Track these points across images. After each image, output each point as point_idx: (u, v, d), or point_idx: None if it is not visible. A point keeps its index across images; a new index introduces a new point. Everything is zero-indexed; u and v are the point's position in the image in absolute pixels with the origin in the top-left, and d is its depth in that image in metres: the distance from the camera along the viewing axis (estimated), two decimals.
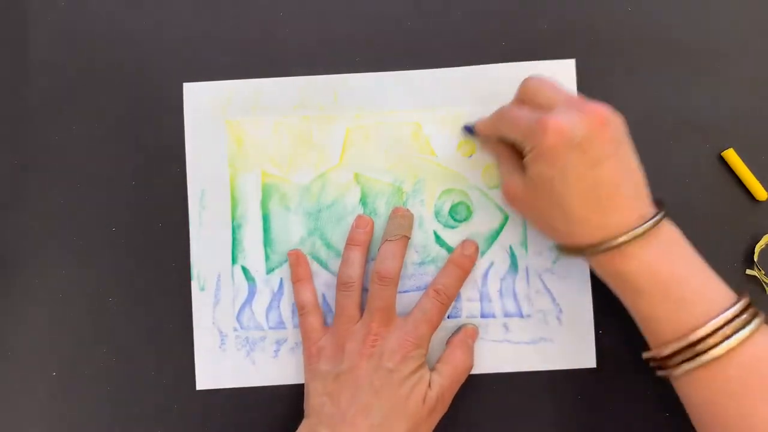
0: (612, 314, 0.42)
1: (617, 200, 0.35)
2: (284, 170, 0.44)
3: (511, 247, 0.43)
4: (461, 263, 0.42)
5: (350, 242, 0.42)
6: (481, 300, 0.43)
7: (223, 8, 0.45)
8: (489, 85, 0.43)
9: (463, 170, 0.43)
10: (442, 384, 0.40)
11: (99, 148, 0.44)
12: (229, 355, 0.43)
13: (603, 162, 0.34)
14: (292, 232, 0.43)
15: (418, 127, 0.43)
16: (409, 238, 0.42)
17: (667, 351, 0.34)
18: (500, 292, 0.43)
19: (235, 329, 0.43)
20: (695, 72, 0.43)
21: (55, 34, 0.45)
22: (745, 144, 0.43)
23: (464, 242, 0.43)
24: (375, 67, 0.44)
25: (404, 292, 0.43)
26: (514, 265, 0.43)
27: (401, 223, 0.42)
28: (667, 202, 0.43)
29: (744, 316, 0.33)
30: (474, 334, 0.42)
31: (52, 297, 0.43)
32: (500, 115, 0.39)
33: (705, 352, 0.33)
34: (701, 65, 0.43)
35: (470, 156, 0.43)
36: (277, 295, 0.43)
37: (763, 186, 0.42)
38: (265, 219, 0.44)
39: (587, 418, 0.42)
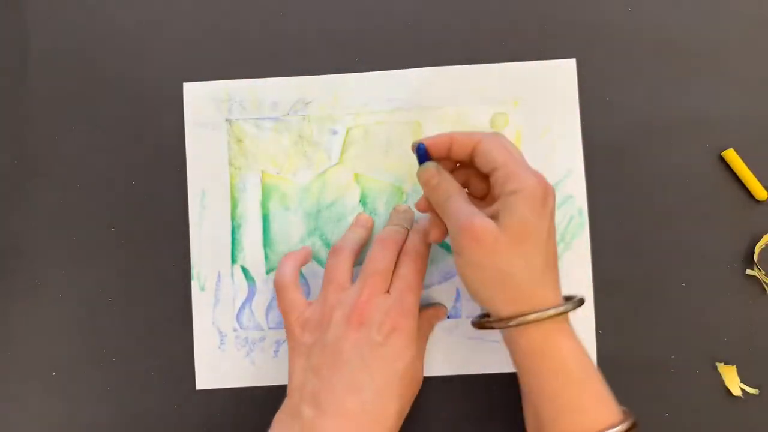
0: (612, 314, 0.42)
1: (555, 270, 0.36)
2: (284, 170, 0.44)
3: None
4: (411, 218, 0.41)
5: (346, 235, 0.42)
6: None
7: (223, 8, 0.45)
8: (489, 85, 0.43)
9: None
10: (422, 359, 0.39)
11: (99, 148, 0.44)
12: (229, 355, 0.43)
13: (552, 229, 0.35)
14: (292, 232, 0.43)
15: (418, 126, 0.43)
16: None
17: None
18: None
19: (235, 329, 0.43)
20: (695, 72, 0.43)
21: (55, 34, 0.45)
22: (745, 144, 0.43)
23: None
24: (375, 67, 0.44)
25: None
26: None
27: (403, 218, 0.41)
28: (667, 202, 0.43)
29: None
30: (443, 315, 0.42)
31: (52, 297, 0.43)
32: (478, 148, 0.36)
33: None
34: (701, 65, 0.43)
35: None
36: None
37: (763, 186, 0.42)
38: (265, 219, 0.44)
39: None
